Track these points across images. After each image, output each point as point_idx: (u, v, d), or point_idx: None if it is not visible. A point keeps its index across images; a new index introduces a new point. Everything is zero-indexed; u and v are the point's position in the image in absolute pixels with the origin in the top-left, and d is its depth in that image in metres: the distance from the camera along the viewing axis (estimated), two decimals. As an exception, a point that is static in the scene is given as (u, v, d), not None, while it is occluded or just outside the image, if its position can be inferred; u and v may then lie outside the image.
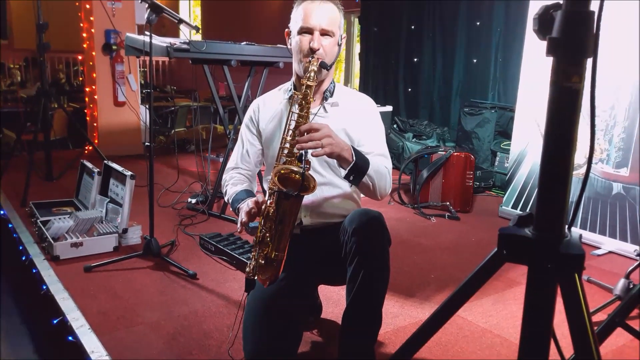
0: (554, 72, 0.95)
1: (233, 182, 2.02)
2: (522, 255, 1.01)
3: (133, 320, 2.36)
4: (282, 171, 1.68)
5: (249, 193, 1.92)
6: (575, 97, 0.93)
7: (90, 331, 2.24)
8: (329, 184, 1.96)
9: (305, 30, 1.84)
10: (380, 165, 1.85)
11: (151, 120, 2.96)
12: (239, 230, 1.76)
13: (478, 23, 5.74)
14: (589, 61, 0.96)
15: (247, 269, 1.70)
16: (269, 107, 2.05)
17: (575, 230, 1.03)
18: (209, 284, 2.77)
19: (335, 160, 1.79)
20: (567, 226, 1.01)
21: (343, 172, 1.75)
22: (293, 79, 2.00)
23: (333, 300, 2.58)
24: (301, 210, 1.89)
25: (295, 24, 1.89)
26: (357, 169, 1.72)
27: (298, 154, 1.70)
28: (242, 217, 1.74)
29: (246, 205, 1.76)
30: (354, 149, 1.73)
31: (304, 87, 1.74)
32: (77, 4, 6.04)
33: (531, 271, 1.00)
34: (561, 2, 0.95)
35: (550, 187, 0.97)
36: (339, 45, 1.92)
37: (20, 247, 3.21)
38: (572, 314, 0.94)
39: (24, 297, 2.80)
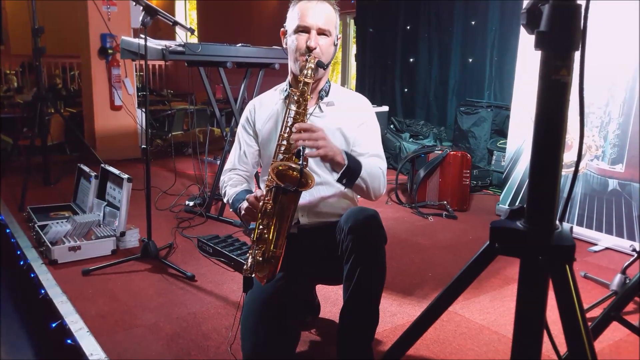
0: (542, 65, 0.96)
1: (232, 184, 2.03)
2: (513, 247, 1.02)
3: (131, 322, 2.37)
4: (280, 167, 1.68)
5: (248, 193, 1.93)
6: (564, 90, 0.94)
7: (89, 334, 2.24)
8: (325, 183, 1.97)
9: (302, 29, 1.85)
10: (374, 166, 1.86)
11: (147, 123, 2.97)
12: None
13: (473, 22, 5.75)
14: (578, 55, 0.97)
15: (245, 267, 1.70)
16: (265, 108, 2.06)
17: (566, 224, 1.04)
18: (207, 285, 2.77)
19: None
20: (558, 219, 1.02)
21: (335, 176, 1.76)
22: (289, 78, 2.01)
23: (331, 300, 2.59)
24: (298, 210, 1.89)
25: (291, 23, 1.89)
26: (349, 172, 1.73)
27: (295, 151, 1.71)
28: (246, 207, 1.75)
29: (245, 203, 1.77)
30: (346, 153, 1.74)
31: (302, 84, 1.75)
32: (73, 10, 6.04)
33: (523, 263, 1.01)
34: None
35: (540, 179, 0.98)
36: (335, 45, 1.93)
37: (19, 252, 3.21)
38: (564, 305, 0.95)
39: (23, 302, 2.80)
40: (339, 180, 1.75)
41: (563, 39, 0.93)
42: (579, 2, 0.94)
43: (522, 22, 0.99)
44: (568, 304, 0.95)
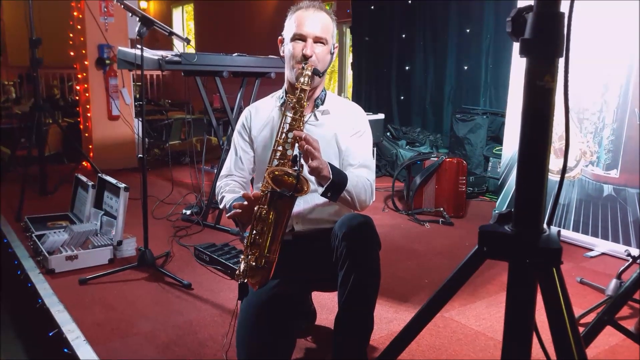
0: (527, 72, 0.98)
1: (229, 190, 2.02)
2: (502, 251, 1.03)
3: (128, 330, 2.37)
4: (276, 172, 1.69)
5: None
6: (548, 96, 0.96)
7: (86, 342, 2.25)
8: (319, 190, 1.98)
9: (298, 37, 1.88)
10: (361, 178, 1.89)
11: (144, 133, 2.99)
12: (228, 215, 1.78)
13: (468, 30, 5.79)
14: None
15: (237, 272, 1.71)
16: (261, 114, 2.08)
17: (554, 228, 1.05)
18: (203, 293, 2.77)
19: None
20: (545, 222, 1.03)
21: (320, 190, 1.77)
22: (285, 86, 2.03)
23: (328, 308, 2.59)
24: (292, 217, 1.90)
25: (288, 31, 1.92)
26: (334, 186, 1.75)
27: (292, 156, 1.72)
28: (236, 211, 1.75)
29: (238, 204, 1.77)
30: (332, 166, 1.75)
31: (299, 90, 1.77)
32: (71, 22, 6.08)
33: (511, 267, 1.02)
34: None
35: (527, 184, 1.00)
36: (332, 54, 1.96)
37: (16, 262, 3.21)
38: (551, 307, 0.96)
39: (20, 311, 2.80)
40: (324, 194, 1.76)
41: (546, 45, 0.95)
42: (562, 10, 0.96)
43: (507, 30, 1.01)
44: (555, 306, 0.96)
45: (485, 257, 1.06)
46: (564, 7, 0.97)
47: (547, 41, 0.95)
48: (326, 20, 1.92)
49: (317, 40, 1.88)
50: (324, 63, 1.92)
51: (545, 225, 1.04)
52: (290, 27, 1.92)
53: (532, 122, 0.99)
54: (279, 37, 2.00)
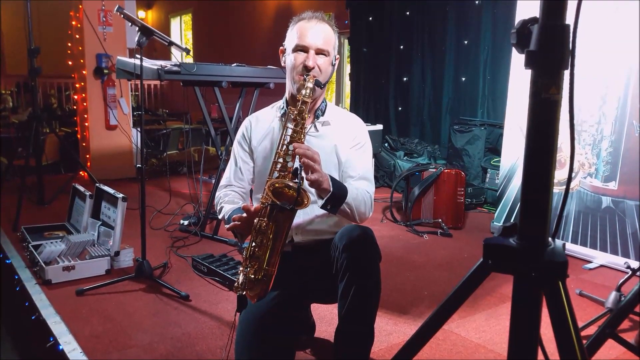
0: (532, 84, 0.97)
1: (228, 200, 2.01)
2: (507, 264, 1.03)
3: (125, 343, 2.34)
4: (277, 185, 1.68)
5: None
6: (554, 108, 0.96)
7: (83, 355, 2.22)
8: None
9: (300, 49, 1.88)
10: (361, 190, 1.88)
11: (142, 143, 2.98)
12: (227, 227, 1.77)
13: (466, 42, 5.82)
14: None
15: (235, 284, 1.69)
16: (261, 125, 2.07)
17: (559, 241, 1.05)
18: (201, 305, 2.75)
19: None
20: (550, 235, 1.03)
21: (320, 202, 1.76)
22: (286, 96, 2.02)
23: (327, 320, 2.58)
24: (292, 228, 1.89)
25: (290, 42, 1.92)
26: (334, 198, 1.74)
27: (293, 169, 1.71)
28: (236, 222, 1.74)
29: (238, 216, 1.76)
30: (332, 178, 1.75)
31: (300, 102, 1.76)
32: (69, 32, 6.09)
33: (516, 280, 1.01)
34: (538, 16, 0.98)
35: (532, 196, 0.99)
36: (333, 66, 1.95)
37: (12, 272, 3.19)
38: (557, 321, 0.95)
39: (18, 322, 2.77)
40: (324, 206, 1.75)
41: (552, 58, 0.95)
42: (567, 22, 0.96)
43: (512, 41, 1.01)
44: (561, 320, 0.95)
45: (490, 270, 1.05)
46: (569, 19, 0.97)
47: (553, 53, 0.94)
48: (328, 32, 1.91)
49: (319, 51, 1.88)
50: (325, 75, 1.91)
51: (550, 238, 1.03)
52: (292, 37, 1.92)
53: (538, 134, 0.98)
54: (281, 48, 1.99)
